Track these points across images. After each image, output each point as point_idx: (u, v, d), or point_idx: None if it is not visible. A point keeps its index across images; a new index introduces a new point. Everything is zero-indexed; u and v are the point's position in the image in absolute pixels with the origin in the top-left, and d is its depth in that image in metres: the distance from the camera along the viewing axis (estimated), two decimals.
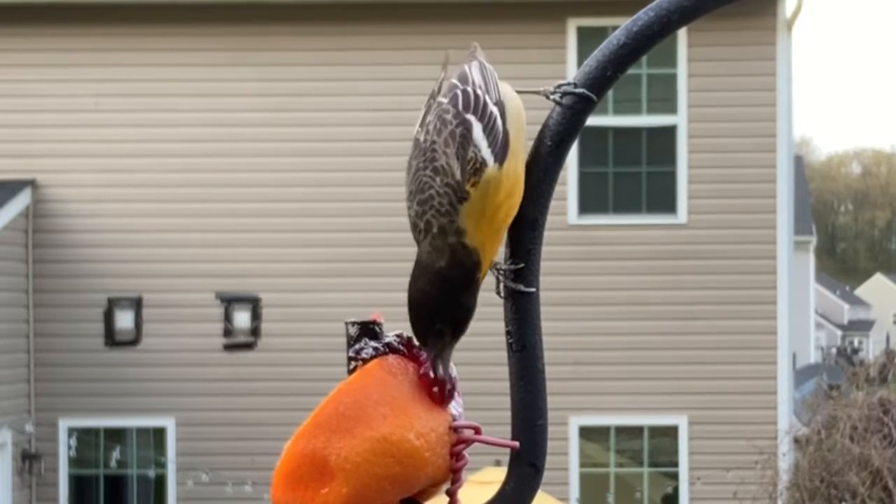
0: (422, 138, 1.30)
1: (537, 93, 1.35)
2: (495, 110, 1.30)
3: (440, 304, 1.27)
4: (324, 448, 1.21)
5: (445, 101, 1.30)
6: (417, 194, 1.28)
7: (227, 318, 13.13)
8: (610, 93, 1.33)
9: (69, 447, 13.07)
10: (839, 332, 62.97)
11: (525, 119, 1.33)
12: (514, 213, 1.31)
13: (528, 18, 13.01)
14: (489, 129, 1.29)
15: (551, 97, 1.33)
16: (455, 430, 1.27)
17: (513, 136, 1.30)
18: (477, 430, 1.27)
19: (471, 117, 1.29)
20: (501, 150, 1.28)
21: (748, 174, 13.13)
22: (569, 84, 1.33)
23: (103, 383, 13.14)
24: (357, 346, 1.28)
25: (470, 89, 1.31)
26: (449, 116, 1.29)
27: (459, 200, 1.26)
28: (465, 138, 1.28)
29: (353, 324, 1.29)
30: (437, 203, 1.26)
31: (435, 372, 1.27)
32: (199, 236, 13.19)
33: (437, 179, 1.27)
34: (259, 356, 13.15)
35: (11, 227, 12.91)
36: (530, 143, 1.33)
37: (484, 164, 1.27)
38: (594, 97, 1.32)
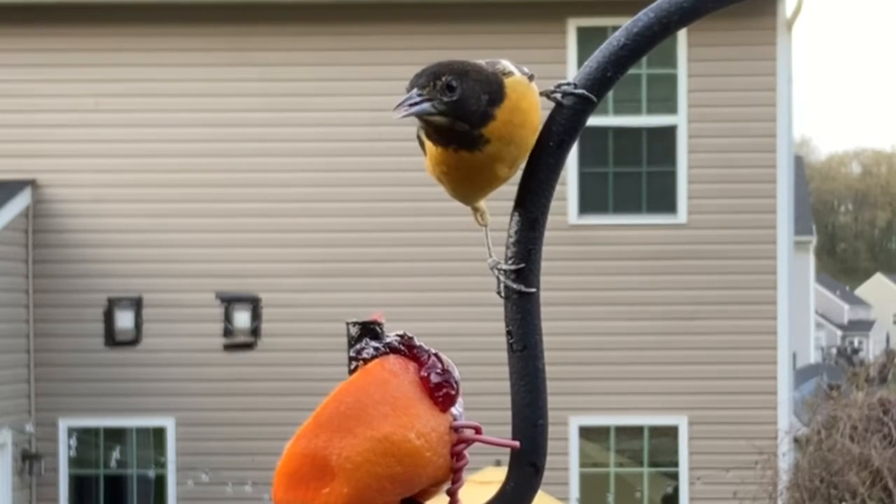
0: None
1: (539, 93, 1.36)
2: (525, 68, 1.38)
3: (471, 79, 1.30)
4: (325, 448, 1.21)
5: None
6: None
7: (227, 318, 13.13)
8: (610, 93, 1.33)
9: (69, 447, 13.07)
10: (839, 332, 62.92)
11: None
12: (527, 136, 1.33)
13: (528, 18, 13.01)
14: (518, 66, 1.36)
15: (552, 96, 1.34)
16: (456, 429, 1.27)
17: (535, 83, 1.36)
18: (478, 430, 1.27)
19: (501, 59, 1.37)
20: (528, 76, 1.35)
21: (748, 174, 13.13)
22: (569, 84, 1.33)
23: (103, 383, 13.14)
24: (358, 346, 1.28)
25: None
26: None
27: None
28: (496, 61, 1.35)
29: (355, 324, 1.29)
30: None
31: (403, 104, 1.29)
32: (199, 236, 13.19)
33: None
34: (259, 356, 13.15)
35: (11, 227, 12.91)
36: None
37: (511, 73, 1.34)
38: (594, 98, 1.33)
